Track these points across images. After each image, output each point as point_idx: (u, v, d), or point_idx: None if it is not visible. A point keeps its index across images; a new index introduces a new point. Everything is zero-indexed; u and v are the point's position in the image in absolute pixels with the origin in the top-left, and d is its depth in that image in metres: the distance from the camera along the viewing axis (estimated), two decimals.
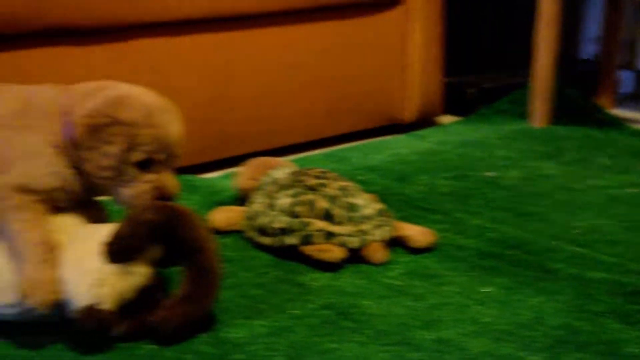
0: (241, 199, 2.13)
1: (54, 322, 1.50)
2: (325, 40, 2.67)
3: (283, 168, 2.05)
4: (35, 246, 1.43)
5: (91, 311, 1.41)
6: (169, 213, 1.47)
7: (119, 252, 1.43)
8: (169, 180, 1.53)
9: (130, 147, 1.47)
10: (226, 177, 2.38)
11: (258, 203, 1.93)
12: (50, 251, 1.44)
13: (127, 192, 1.50)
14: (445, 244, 1.91)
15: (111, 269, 1.44)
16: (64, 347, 1.46)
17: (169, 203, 1.50)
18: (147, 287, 1.51)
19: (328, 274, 1.76)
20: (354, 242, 1.80)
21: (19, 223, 1.44)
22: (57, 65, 2.04)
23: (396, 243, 1.89)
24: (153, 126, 1.49)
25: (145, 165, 1.50)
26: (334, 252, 1.77)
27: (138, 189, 1.50)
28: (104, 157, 1.46)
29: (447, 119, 3.22)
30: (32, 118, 1.50)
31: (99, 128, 1.46)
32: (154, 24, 2.22)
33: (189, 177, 2.32)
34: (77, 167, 1.50)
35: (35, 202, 1.47)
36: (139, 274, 1.48)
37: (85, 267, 1.43)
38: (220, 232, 1.95)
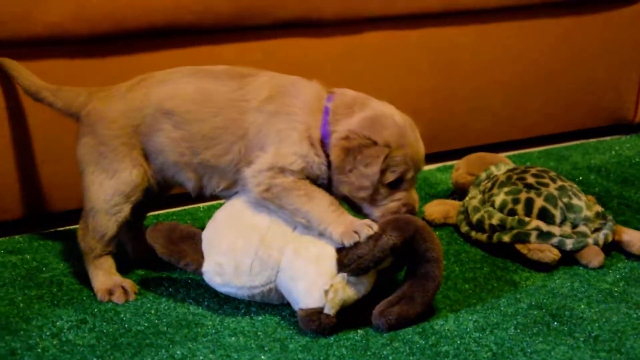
0: (456, 192, 2.15)
1: (274, 304, 1.61)
2: (555, 35, 2.59)
3: (501, 164, 2.04)
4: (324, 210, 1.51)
5: (315, 315, 1.48)
6: (409, 233, 1.50)
7: (355, 269, 1.49)
8: (414, 196, 1.57)
9: (386, 168, 1.51)
10: (442, 169, 2.41)
11: (474, 198, 1.95)
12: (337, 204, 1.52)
13: (377, 210, 1.55)
14: None
15: (343, 278, 1.50)
16: (281, 322, 1.56)
17: (410, 219, 1.52)
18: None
19: (540, 274, 1.75)
20: (570, 243, 1.77)
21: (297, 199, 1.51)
22: (293, 55, 2.15)
23: (614, 247, 1.84)
24: (405, 146, 1.52)
25: (396, 184, 1.54)
26: (549, 253, 1.75)
27: (387, 207, 1.54)
28: (362, 178, 1.50)
29: None
30: (286, 105, 1.55)
31: (357, 149, 1.49)
32: (383, 17, 2.28)
33: None
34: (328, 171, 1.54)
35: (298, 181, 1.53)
36: (365, 283, 1.53)
37: (320, 270, 1.50)
38: (435, 225, 1.98)
